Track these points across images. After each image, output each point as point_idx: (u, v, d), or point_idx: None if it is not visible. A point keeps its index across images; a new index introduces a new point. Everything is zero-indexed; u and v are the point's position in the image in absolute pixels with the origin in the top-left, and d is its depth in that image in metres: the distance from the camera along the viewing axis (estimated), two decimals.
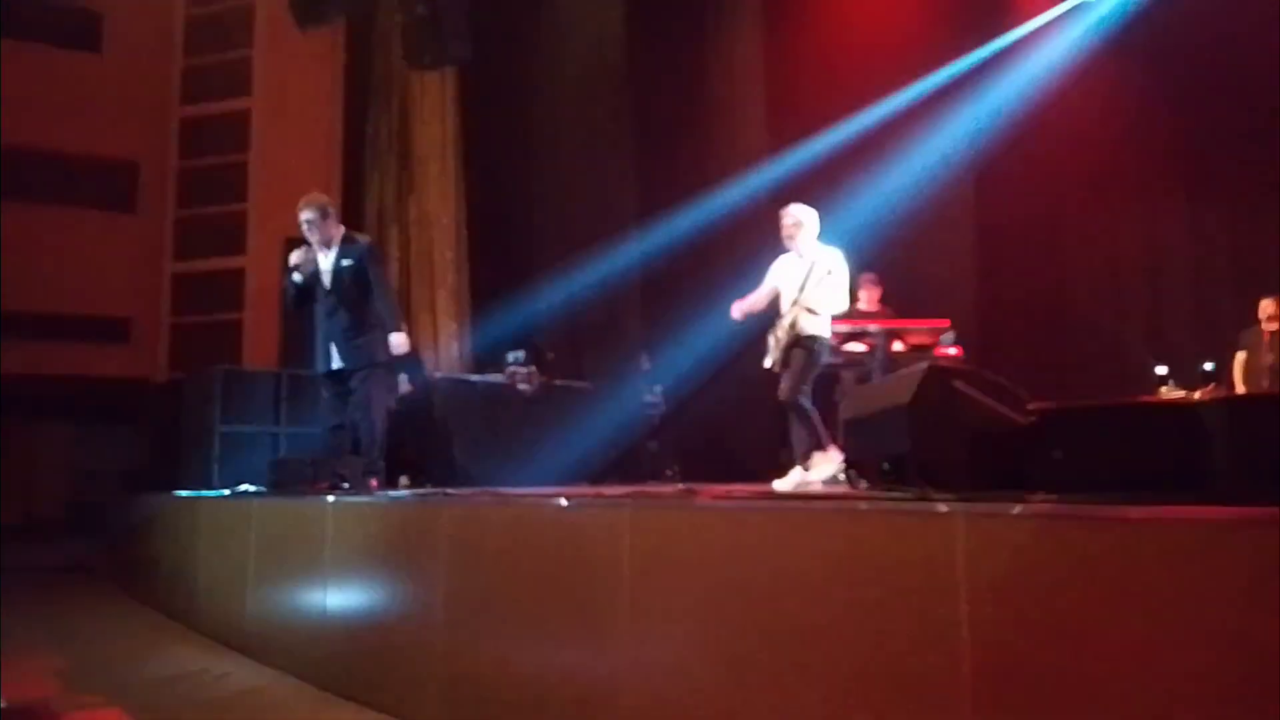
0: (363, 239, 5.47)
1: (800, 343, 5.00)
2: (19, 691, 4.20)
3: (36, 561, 9.34)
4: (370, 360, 5.21)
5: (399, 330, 5.18)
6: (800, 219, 5.19)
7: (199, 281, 11.14)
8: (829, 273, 4.99)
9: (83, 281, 11.37)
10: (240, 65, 11.17)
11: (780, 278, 5.22)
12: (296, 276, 5.25)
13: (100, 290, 11.48)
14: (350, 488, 5.15)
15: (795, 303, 5.00)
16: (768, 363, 5.12)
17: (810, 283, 4.98)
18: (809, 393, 5.05)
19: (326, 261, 5.26)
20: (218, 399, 6.69)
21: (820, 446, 4.88)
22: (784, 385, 4.99)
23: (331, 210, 5.36)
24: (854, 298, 7.02)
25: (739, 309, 5.23)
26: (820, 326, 5.07)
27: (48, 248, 11.37)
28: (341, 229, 5.38)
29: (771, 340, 5.15)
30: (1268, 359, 6.94)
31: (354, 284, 5.19)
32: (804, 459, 4.94)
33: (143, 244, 11.47)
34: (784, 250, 5.28)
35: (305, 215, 5.24)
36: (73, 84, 11.62)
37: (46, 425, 14.38)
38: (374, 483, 5.19)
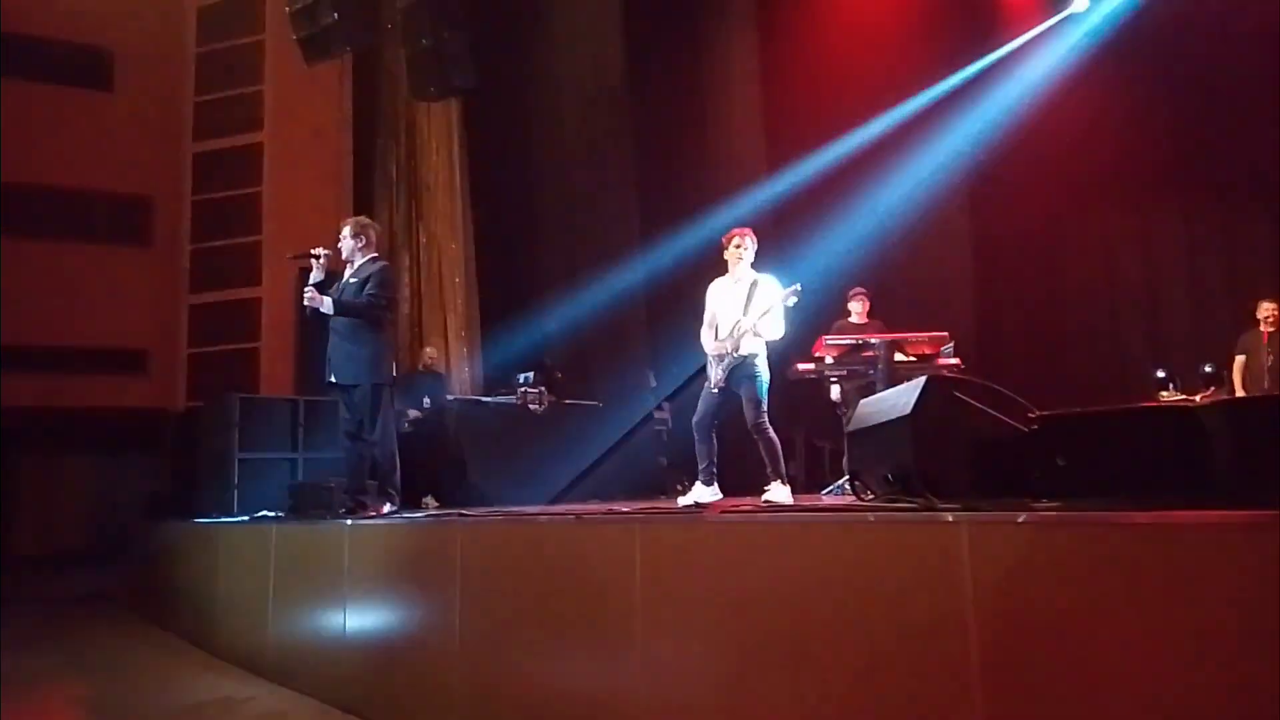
0: (380, 262, 5.59)
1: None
2: None
3: (59, 591, 9.42)
4: (363, 377, 5.30)
5: (333, 307, 5.20)
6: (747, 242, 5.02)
7: (215, 312, 11.28)
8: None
9: (101, 315, 11.53)
10: (251, 100, 11.36)
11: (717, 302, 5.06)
12: (315, 274, 5.39)
13: (118, 323, 11.63)
14: (362, 511, 5.21)
15: (739, 324, 4.87)
16: (711, 384, 4.96)
17: (753, 306, 4.86)
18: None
19: (344, 276, 5.45)
20: (236, 427, 6.77)
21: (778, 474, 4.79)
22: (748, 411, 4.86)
23: (366, 234, 5.52)
24: (845, 311, 7.10)
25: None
26: (762, 346, 4.93)
27: (66, 283, 11.54)
28: (372, 254, 5.53)
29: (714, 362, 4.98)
30: (1267, 361, 6.95)
31: (354, 299, 5.32)
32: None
33: (159, 277, 11.64)
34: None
35: (341, 231, 5.50)
36: (86, 122, 11.83)
37: (67, 457, 14.53)
38: (384, 508, 5.20)
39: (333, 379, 5.37)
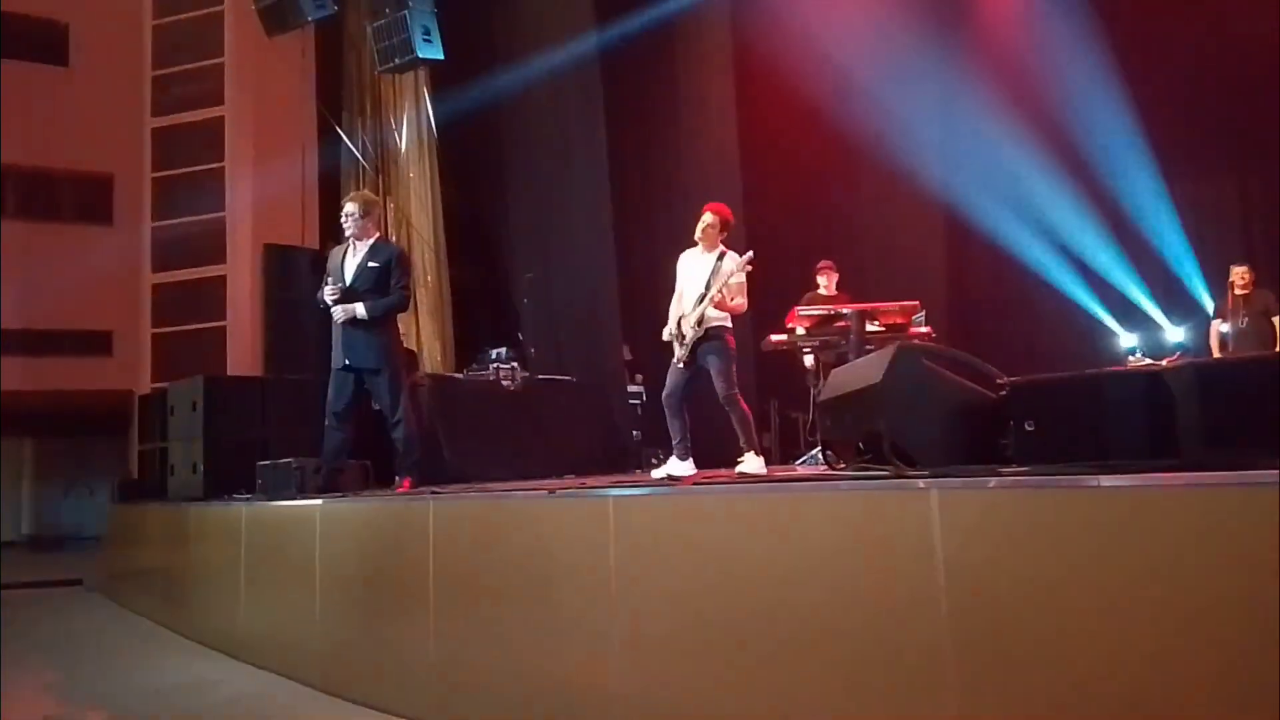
0: (396, 245, 5.55)
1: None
2: (16, 708, 4.21)
3: (29, 576, 9.31)
4: (380, 360, 5.22)
5: (371, 312, 5.15)
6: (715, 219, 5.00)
7: (180, 291, 11.08)
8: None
9: (64, 296, 11.30)
10: (211, 74, 11.08)
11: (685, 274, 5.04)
12: (329, 295, 5.29)
13: (82, 304, 11.41)
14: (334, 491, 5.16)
15: (702, 299, 4.84)
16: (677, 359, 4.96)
17: (714, 281, 4.83)
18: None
19: (354, 258, 5.29)
20: (202, 407, 6.66)
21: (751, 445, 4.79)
22: (718, 384, 4.85)
23: (374, 210, 5.47)
24: (813, 284, 7.11)
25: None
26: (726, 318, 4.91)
27: (27, 264, 11.30)
28: (378, 232, 5.46)
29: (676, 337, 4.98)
30: (1240, 323, 7.04)
31: (375, 285, 5.21)
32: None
33: (122, 256, 11.40)
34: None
35: (348, 208, 5.30)
36: (42, 98, 11.53)
37: (33, 440, 14.31)
38: (406, 482, 5.18)
39: (347, 363, 5.24)
